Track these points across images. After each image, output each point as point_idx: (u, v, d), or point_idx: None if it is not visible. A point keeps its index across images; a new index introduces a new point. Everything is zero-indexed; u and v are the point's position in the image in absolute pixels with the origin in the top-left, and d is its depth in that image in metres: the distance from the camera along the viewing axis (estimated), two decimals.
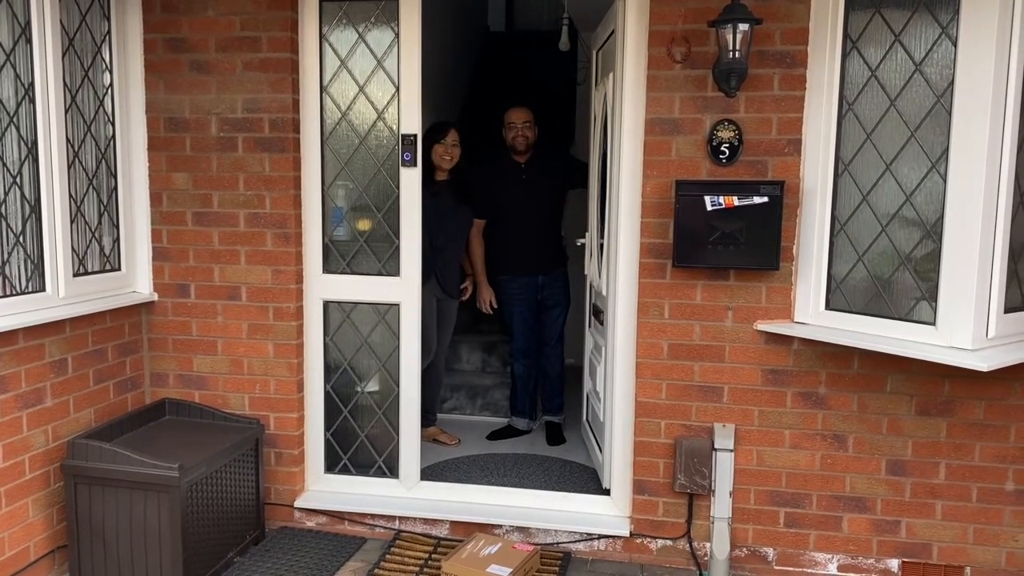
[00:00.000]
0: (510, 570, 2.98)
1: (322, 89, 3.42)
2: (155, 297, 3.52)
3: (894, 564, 3.13)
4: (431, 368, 4.24)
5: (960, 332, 2.62)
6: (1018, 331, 2.73)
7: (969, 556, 3.07)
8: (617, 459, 3.38)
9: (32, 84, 2.90)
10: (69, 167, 3.08)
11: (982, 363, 2.49)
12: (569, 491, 3.62)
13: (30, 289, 2.95)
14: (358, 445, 3.63)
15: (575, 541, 3.37)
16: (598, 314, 3.86)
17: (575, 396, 4.91)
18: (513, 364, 4.49)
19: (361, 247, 3.51)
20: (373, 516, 3.52)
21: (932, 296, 2.71)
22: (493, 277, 4.40)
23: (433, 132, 4.05)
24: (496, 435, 4.43)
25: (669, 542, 3.28)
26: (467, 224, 4.26)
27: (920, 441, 3.05)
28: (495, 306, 4.41)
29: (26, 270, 2.93)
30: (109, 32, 3.32)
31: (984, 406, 2.99)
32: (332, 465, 3.64)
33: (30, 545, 2.96)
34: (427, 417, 4.23)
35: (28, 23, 2.88)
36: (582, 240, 4.18)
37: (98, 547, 2.95)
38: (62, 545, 3.10)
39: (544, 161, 4.35)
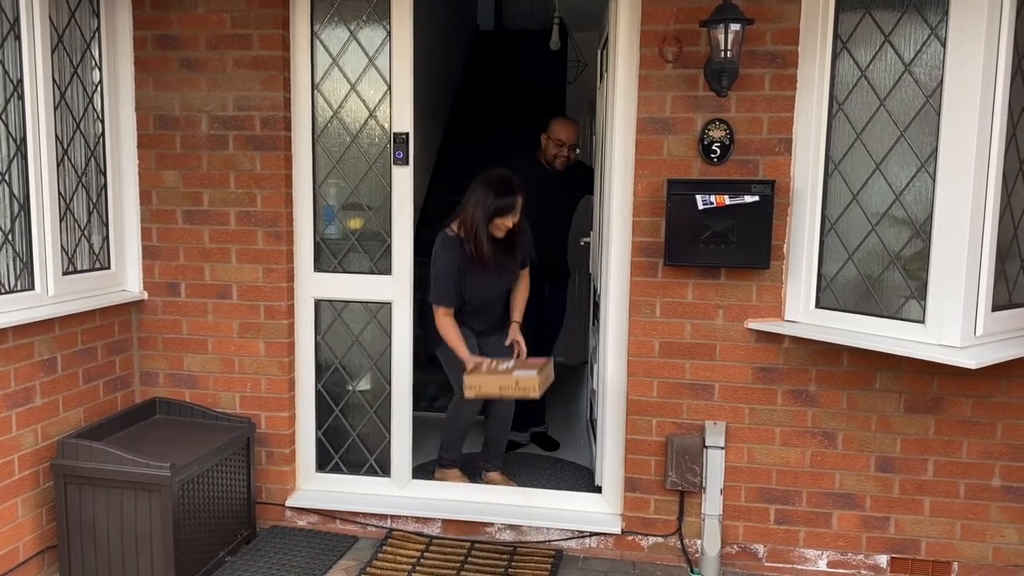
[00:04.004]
0: (535, 371, 3.06)
1: (314, 87, 3.41)
2: (145, 296, 3.50)
3: (883, 560, 3.15)
4: (491, 402, 3.68)
5: (949, 330, 2.65)
6: (1005, 329, 2.76)
7: (957, 551, 3.10)
8: (609, 457, 3.39)
9: (21, 81, 2.88)
10: (58, 165, 3.06)
11: (971, 360, 2.51)
12: (561, 489, 3.62)
13: (19, 287, 2.93)
14: (349, 444, 3.62)
15: (567, 539, 3.38)
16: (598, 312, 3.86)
17: (568, 396, 4.92)
18: None
19: (353, 245, 3.50)
20: (365, 515, 3.51)
21: (921, 294, 2.73)
22: None
23: (497, 198, 3.29)
24: None
25: (660, 539, 3.29)
26: (508, 284, 3.63)
27: (909, 438, 3.07)
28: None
29: (15, 268, 2.91)
30: (99, 29, 3.29)
31: (972, 403, 3.02)
32: (323, 464, 3.63)
33: (19, 545, 2.94)
34: (491, 461, 3.80)
35: (17, 19, 2.85)
36: (586, 239, 4.17)
37: (88, 547, 2.94)
38: (52, 545, 3.07)
39: (572, 171, 4.25)
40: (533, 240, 3.87)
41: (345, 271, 3.51)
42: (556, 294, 4.34)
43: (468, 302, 3.51)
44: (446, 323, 3.45)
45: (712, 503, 3.16)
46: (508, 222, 3.35)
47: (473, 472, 3.81)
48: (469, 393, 3.23)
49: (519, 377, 3.09)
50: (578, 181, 4.32)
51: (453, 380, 3.67)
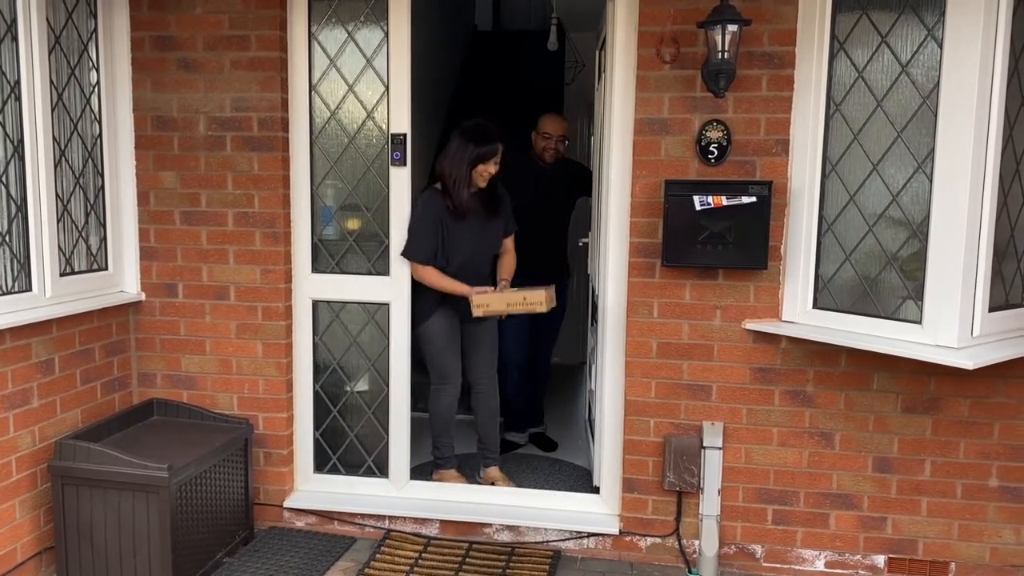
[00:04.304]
0: (542, 289, 3.25)
1: (311, 88, 3.41)
2: (142, 297, 3.50)
3: (880, 560, 3.16)
4: (475, 398, 3.78)
5: (946, 330, 2.65)
6: (1002, 329, 2.76)
7: (954, 552, 3.10)
8: (607, 457, 3.40)
9: (18, 82, 2.88)
10: (56, 166, 3.06)
11: (968, 361, 2.52)
12: (560, 490, 3.63)
13: (16, 289, 2.92)
14: (347, 445, 3.62)
15: (565, 539, 3.38)
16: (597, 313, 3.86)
17: (567, 397, 4.92)
18: (503, 380, 4.18)
19: (350, 246, 3.50)
20: (363, 516, 3.51)
21: (918, 295, 2.74)
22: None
23: (479, 145, 3.37)
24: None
25: (658, 540, 3.29)
26: (494, 245, 3.63)
27: (906, 438, 3.08)
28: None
29: (12, 270, 2.91)
30: (96, 30, 3.29)
31: (969, 403, 3.02)
32: (321, 465, 3.63)
33: (17, 547, 2.94)
34: (486, 456, 3.78)
35: (14, 20, 2.85)
36: (585, 240, 4.17)
37: (86, 548, 2.93)
38: (49, 547, 3.07)
39: (565, 168, 4.27)
40: (532, 242, 3.88)
41: (343, 272, 3.51)
42: (557, 293, 4.33)
43: (450, 261, 3.46)
44: (428, 272, 3.43)
45: (710, 503, 3.17)
46: (490, 168, 3.43)
47: (471, 472, 3.81)
48: (477, 312, 3.36)
49: (526, 293, 3.26)
50: (575, 181, 4.32)
51: (429, 364, 3.69)
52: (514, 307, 3.32)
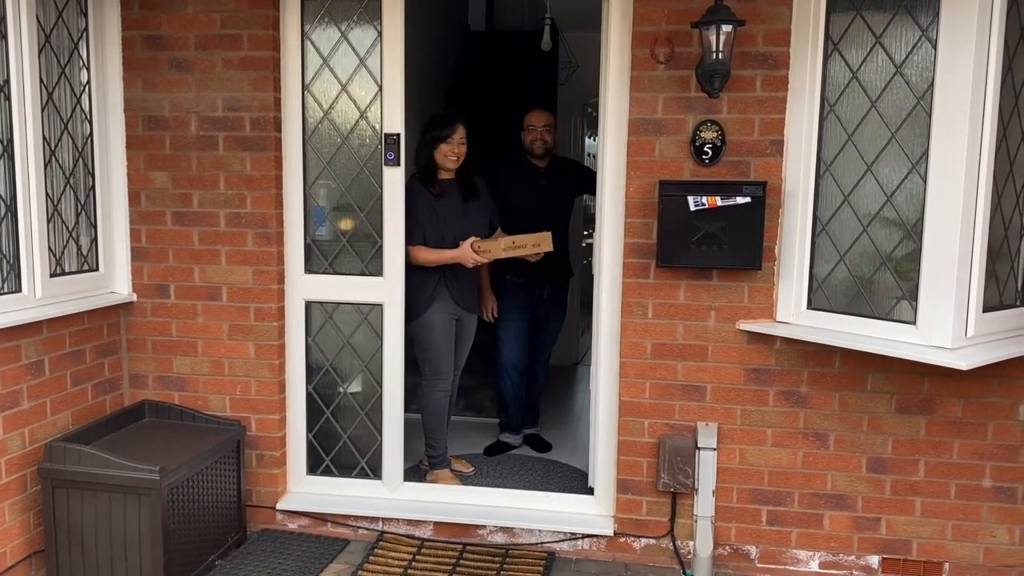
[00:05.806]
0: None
1: (304, 88, 3.40)
2: (134, 298, 3.48)
3: (874, 561, 3.16)
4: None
5: (940, 331, 2.66)
6: (996, 330, 2.77)
7: (948, 552, 3.11)
8: (601, 458, 3.39)
9: (8, 81, 2.85)
10: (46, 166, 3.03)
11: (962, 362, 2.52)
12: (554, 491, 3.62)
13: (6, 290, 2.90)
14: (341, 446, 3.61)
15: (559, 541, 3.37)
16: None
17: (561, 398, 4.90)
18: (502, 381, 4.27)
19: (344, 247, 3.48)
20: (356, 518, 3.49)
21: (912, 296, 2.74)
22: (499, 277, 4.15)
23: (437, 128, 3.59)
24: (490, 451, 4.33)
25: (653, 541, 3.29)
26: (481, 228, 3.71)
27: (900, 439, 3.08)
28: (496, 315, 4.16)
29: (2, 270, 2.88)
30: (86, 29, 3.27)
31: (963, 404, 3.02)
32: (314, 466, 3.62)
33: (6, 550, 2.91)
34: (442, 457, 3.78)
35: (3, 19, 2.83)
36: (589, 240, 4.17)
37: (76, 552, 2.91)
38: (39, 550, 3.04)
39: (561, 167, 4.26)
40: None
41: (336, 273, 3.49)
42: (556, 296, 4.32)
43: (444, 239, 3.59)
44: (418, 250, 3.55)
45: (704, 504, 3.16)
46: (454, 148, 3.58)
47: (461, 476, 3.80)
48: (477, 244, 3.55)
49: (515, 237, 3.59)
50: (573, 179, 4.32)
51: (423, 358, 3.70)
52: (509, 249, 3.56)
